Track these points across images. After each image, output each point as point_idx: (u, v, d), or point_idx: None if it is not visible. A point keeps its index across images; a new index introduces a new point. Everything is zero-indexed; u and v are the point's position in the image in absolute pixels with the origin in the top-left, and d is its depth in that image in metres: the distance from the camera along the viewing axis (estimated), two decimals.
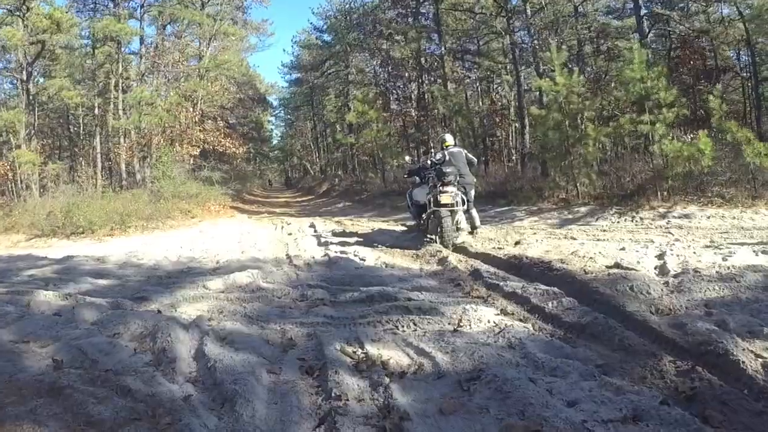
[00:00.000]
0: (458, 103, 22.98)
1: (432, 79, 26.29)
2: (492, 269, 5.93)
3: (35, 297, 4.95)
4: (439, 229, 8.01)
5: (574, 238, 8.21)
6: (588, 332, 3.77)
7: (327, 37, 35.18)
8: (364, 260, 7.02)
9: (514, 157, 23.52)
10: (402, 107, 28.51)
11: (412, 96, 28.09)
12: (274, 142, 62.32)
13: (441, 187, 8.06)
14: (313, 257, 7.70)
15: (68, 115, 28.29)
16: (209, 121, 26.87)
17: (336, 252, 7.90)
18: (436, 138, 11.42)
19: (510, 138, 24.90)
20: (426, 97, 25.43)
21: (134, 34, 23.05)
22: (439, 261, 6.75)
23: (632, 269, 5.48)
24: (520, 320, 4.12)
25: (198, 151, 24.36)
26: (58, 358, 3.34)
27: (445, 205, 7.97)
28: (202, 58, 26.58)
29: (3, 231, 14.50)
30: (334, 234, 10.89)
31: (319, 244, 9.42)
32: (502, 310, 4.36)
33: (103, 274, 7.01)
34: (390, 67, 28.46)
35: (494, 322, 3.99)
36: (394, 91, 30.00)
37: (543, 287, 4.77)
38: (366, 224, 13.16)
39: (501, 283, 5.07)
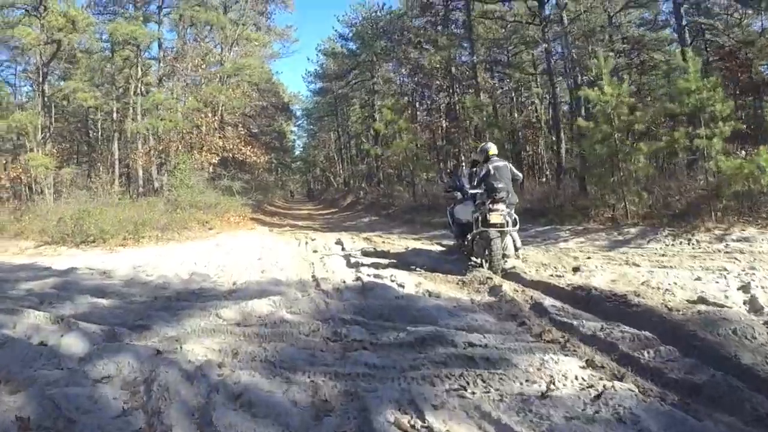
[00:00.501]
0: (491, 114, 22.12)
1: (462, 89, 25.38)
2: (557, 303, 4.99)
3: (23, 319, 4.49)
4: (487, 252, 7.03)
5: (637, 265, 7.27)
6: (707, 395, 2.98)
7: (352, 45, 34.42)
8: (403, 287, 6.10)
9: (547, 173, 22.58)
10: (431, 118, 27.75)
11: (441, 107, 27.26)
12: (297, 152, 61.73)
13: (490, 205, 7.08)
14: (344, 281, 6.80)
15: (87, 119, 28.05)
16: (230, 128, 26.23)
17: (369, 275, 6.98)
18: (477, 148, 10.29)
19: (542, 152, 23.97)
20: (456, 107, 24.49)
21: (152, 37, 22.65)
22: (491, 290, 5.79)
23: (721, 305, 4.78)
24: (615, 377, 3.24)
25: (217, 159, 23.66)
26: (25, 415, 2.73)
27: (494, 225, 7.00)
28: (223, 64, 26.04)
29: (12, 236, 14.03)
30: (364, 253, 9.93)
31: (349, 264, 8.49)
32: (587, 361, 3.46)
33: (106, 291, 6.51)
34: (419, 77, 27.56)
35: (584, 380, 3.15)
36: (421, 102, 29.24)
37: (630, 330, 3.94)
38: (397, 242, 12.22)
39: (574, 323, 4.20)
